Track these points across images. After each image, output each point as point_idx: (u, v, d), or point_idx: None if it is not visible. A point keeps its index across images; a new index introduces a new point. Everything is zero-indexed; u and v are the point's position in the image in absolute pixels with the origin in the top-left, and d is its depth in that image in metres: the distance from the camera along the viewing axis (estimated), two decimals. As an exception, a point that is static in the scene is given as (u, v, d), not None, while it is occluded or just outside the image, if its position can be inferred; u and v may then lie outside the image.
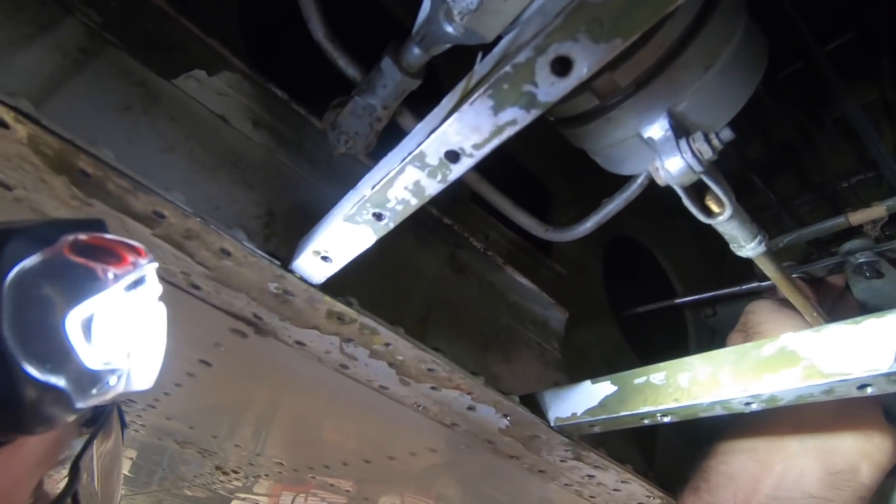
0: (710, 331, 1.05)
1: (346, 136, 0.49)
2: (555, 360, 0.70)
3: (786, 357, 0.37)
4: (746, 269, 1.08)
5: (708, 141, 0.32)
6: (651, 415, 0.44)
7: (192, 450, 1.09)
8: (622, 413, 0.45)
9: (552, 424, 0.52)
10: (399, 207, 0.30)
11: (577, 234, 0.62)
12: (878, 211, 0.80)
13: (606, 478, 0.60)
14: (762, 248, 0.37)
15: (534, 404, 0.54)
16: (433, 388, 0.51)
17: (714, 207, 0.36)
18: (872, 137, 0.93)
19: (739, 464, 0.49)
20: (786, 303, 0.55)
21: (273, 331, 0.48)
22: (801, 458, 0.46)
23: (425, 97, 0.52)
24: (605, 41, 0.20)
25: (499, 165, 0.76)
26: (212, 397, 0.75)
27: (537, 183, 0.83)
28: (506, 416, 0.52)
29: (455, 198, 0.67)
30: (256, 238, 0.47)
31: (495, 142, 0.24)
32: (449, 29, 0.34)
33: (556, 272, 0.76)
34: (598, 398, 0.49)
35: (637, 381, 0.46)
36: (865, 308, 0.65)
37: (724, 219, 0.35)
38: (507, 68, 0.21)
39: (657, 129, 0.34)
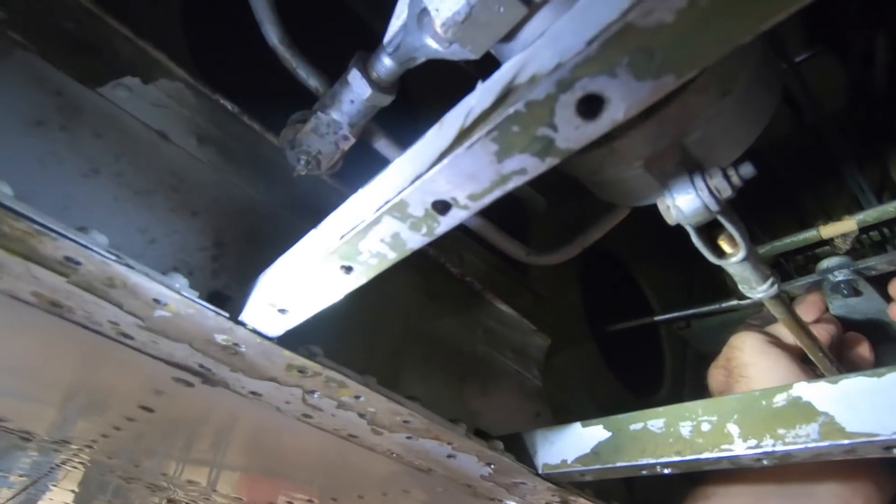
0: (683, 342, 1.04)
1: (308, 156, 0.43)
2: (536, 389, 0.66)
3: (801, 410, 0.34)
4: (718, 280, 1.08)
5: (727, 177, 0.28)
6: (650, 467, 0.40)
7: (139, 485, 1.00)
8: (618, 464, 0.42)
9: (539, 472, 0.47)
10: (373, 261, 0.24)
11: (560, 257, 0.59)
12: (849, 225, 0.79)
13: (593, 518, 0.57)
14: (774, 291, 0.34)
15: (520, 448, 0.49)
16: (409, 437, 0.45)
17: (727, 248, 0.32)
18: (841, 149, 0.94)
19: None
20: (772, 339, 0.53)
21: (223, 381, 0.42)
22: None
23: (397, 112, 0.46)
24: (652, 78, 0.15)
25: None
26: (158, 440, 0.67)
27: (514, 199, 0.79)
28: (489, 464, 0.47)
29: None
30: (201, 274, 0.41)
31: (497, 193, 0.19)
32: (429, 41, 0.29)
33: (535, 293, 0.72)
34: (591, 445, 0.44)
35: (633, 427, 0.42)
36: (845, 324, 0.64)
37: (736, 260, 0.32)
38: (519, 106, 0.16)
39: (668, 162, 0.30)
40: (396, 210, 0.21)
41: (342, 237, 0.24)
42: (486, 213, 0.58)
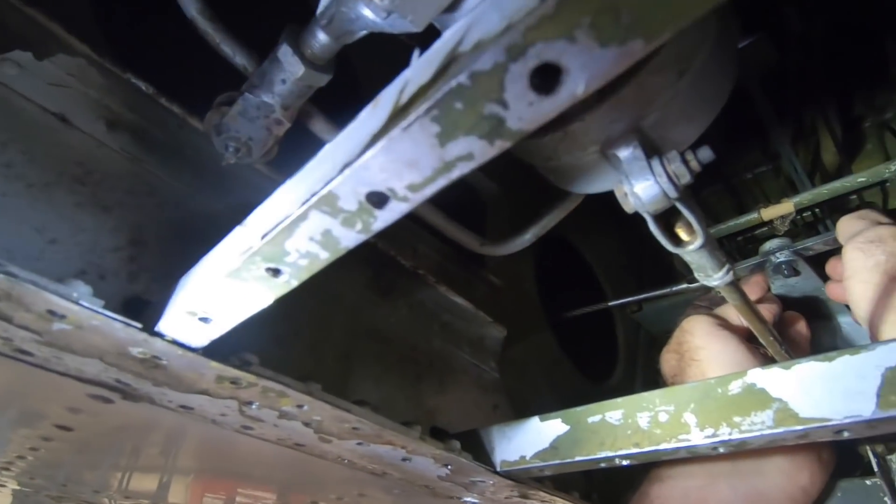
0: (635, 325, 1.06)
1: (237, 143, 0.39)
2: (493, 381, 0.64)
3: (755, 397, 0.33)
4: (667, 265, 1.11)
5: (685, 162, 0.27)
6: (609, 459, 0.39)
7: (71, 503, 0.92)
8: (577, 458, 0.40)
9: (498, 469, 0.46)
10: (303, 262, 0.21)
11: (515, 247, 0.57)
12: (787, 207, 0.82)
13: (553, 509, 0.56)
14: (729, 278, 0.33)
15: (477, 445, 0.48)
16: (360, 444, 0.42)
17: (684, 236, 0.31)
18: (777, 131, 0.97)
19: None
20: (721, 321, 0.54)
21: (147, 396, 0.37)
22: None
23: (340, 93, 0.43)
24: (617, 43, 0.12)
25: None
26: (83, 458, 0.61)
27: (468, 187, 0.77)
28: (446, 465, 0.45)
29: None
30: (115, 278, 0.36)
31: (441, 182, 0.16)
32: (365, 12, 0.26)
33: (491, 284, 0.70)
34: (549, 439, 0.43)
35: (591, 419, 0.41)
36: (784, 302, 0.67)
37: (694, 248, 0.30)
38: (462, 79, 0.13)
39: (623, 148, 0.28)
40: (325, 204, 0.18)
41: (264, 236, 0.20)
42: (438, 202, 0.56)
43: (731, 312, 0.56)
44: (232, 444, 0.53)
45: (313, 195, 0.18)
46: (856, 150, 1.15)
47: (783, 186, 1.15)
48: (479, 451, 0.47)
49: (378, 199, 0.18)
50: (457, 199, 0.75)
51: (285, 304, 0.46)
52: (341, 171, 0.17)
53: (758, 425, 0.32)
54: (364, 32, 0.32)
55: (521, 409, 0.66)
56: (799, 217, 0.86)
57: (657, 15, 0.12)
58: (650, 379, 0.96)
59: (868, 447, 0.50)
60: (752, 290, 0.63)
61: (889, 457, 0.50)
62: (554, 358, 0.80)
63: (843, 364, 0.31)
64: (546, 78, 0.14)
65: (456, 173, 0.16)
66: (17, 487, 0.81)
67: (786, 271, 0.72)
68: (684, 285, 0.79)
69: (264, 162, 0.43)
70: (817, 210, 0.84)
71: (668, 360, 0.57)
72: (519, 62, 0.13)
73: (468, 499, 0.56)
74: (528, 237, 0.54)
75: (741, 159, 1.16)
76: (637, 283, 1.10)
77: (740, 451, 0.47)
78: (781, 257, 0.73)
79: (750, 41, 0.86)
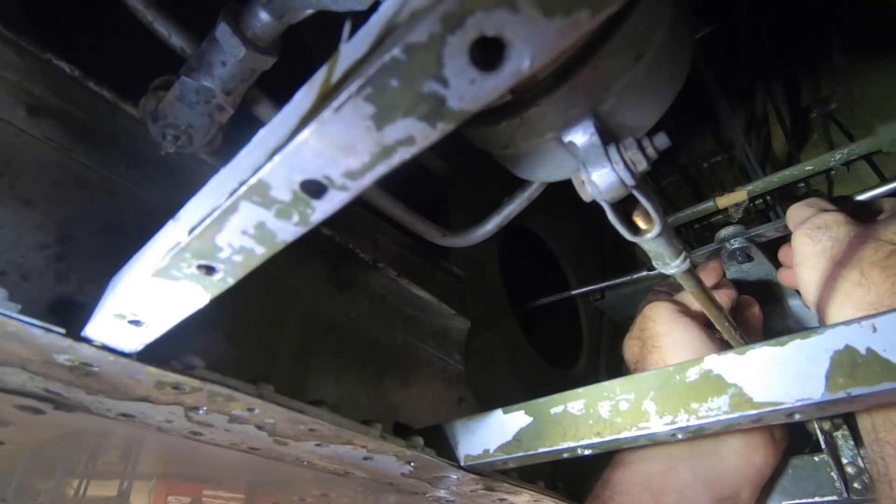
0: (598, 313, 1.08)
1: (176, 130, 0.36)
2: (458, 373, 0.64)
3: (712, 383, 0.34)
4: (629, 253, 1.13)
5: (642, 149, 0.26)
6: (571, 450, 0.39)
7: (14, 517, 0.87)
8: (540, 450, 0.40)
9: (462, 464, 0.45)
10: (238, 258, 0.19)
11: (477, 238, 0.56)
12: (741, 195, 0.85)
13: (519, 499, 0.56)
14: (686, 265, 0.33)
15: (441, 441, 0.47)
16: (318, 445, 0.41)
17: (642, 224, 0.30)
18: (731, 122, 1.00)
19: (635, 490, 0.48)
20: (681, 307, 0.55)
21: (81, 405, 0.35)
22: (690, 489, 0.46)
23: (294, 78, 0.40)
24: (562, 13, 0.11)
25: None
26: (18, 473, 0.57)
27: (428, 173, 0.75)
28: (409, 462, 0.44)
29: (335, 199, 0.56)
30: (40, 279, 0.33)
31: (380, 169, 0.15)
32: (305, -13, 0.24)
33: (455, 274, 0.69)
34: (512, 432, 0.43)
35: (553, 410, 0.41)
36: (739, 286, 0.69)
37: (651, 236, 0.30)
38: (397, 52, 0.12)
39: (580, 133, 0.28)
40: (256, 194, 0.17)
41: (192, 231, 0.18)
42: (400, 193, 0.54)
43: (691, 298, 0.57)
44: (183, 449, 0.50)
45: (242, 184, 0.16)
46: (804, 140, 1.19)
47: (737, 175, 1.19)
48: (442, 446, 0.46)
49: (315, 188, 0.16)
50: (420, 191, 0.73)
51: (236, 302, 0.44)
52: (271, 157, 0.15)
53: (714, 411, 0.33)
54: (309, 11, 0.30)
55: (487, 400, 0.65)
56: (752, 205, 0.89)
57: (604, -20, 0.11)
58: (614, 365, 0.98)
59: (816, 425, 0.52)
60: (709, 276, 0.64)
61: (835, 433, 0.52)
62: (519, 348, 0.80)
63: (794, 348, 0.31)
64: (488, 52, 0.12)
65: (396, 159, 0.15)
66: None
67: (740, 257, 0.74)
68: (644, 273, 0.80)
69: (208, 151, 0.40)
70: (769, 198, 0.87)
71: (630, 347, 0.57)
72: (457, 34, 0.12)
73: (435, 494, 0.55)
74: (489, 228, 0.54)
75: (697, 150, 1.19)
76: (600, 272, 1.11)
77: (695, 443, 0.48)
78: (736, 244, 0.75)
79: (706, 32, 0.88)
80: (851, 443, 0.51)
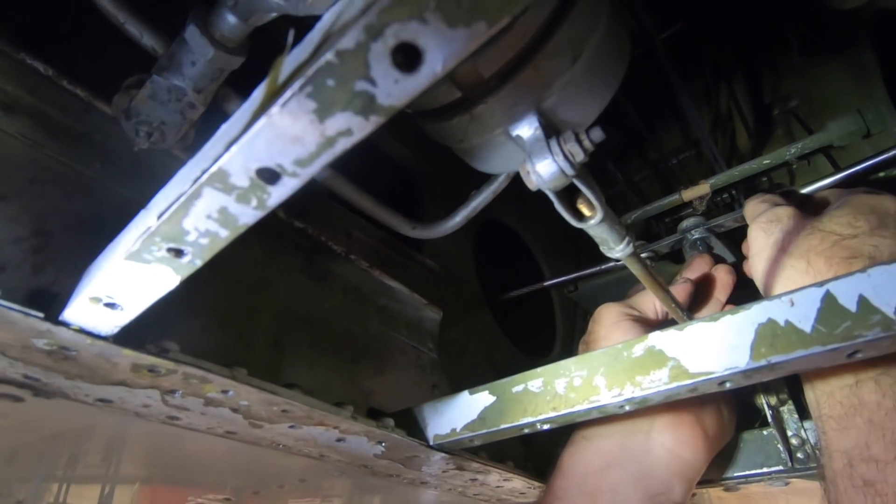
0: (572, 305, 1.11)
1: (149, 127, 0.38)
2: (431, 361, 0.66)
3: (654, 357, 0.37)
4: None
5: (579, 142, 0.29)
6: (531, 425, 0.42)
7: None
8: (502, 426, 0.43)
9: (431, 443, 0.48)
10: (204, 241, 0.22)
11: (446, 230, 0.58)
12: (704, 188, 0.89)
13: (489, 479, 0.59)
14: (630, 250, 0.36)
15: (411, 423, 0.49)
16: (292, 427, 0.43)
17: (586, 211, 0.33)
18: (696, 119, 1.04)
19: (573, 492, 0.50)
20: (629, 311, 0.56)
21: (60, 391, 0.36)
22: (623, 487, 0.48)
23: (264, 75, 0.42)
24: (464, 25, 0.14)
25: (357, 153, 0.69)
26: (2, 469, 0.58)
27: (404, 172, 0.78)
28: (380, 442, 0.47)
29: (309, 195, 0.58)
30: (17, 271, 0.34)
31: (325, 157, 0.17)
32: (266, -7, 0.26)
33: (428, 267, 0.71)
34: (477, 411, 0.45)
35: (515, 389, 0.44)
36: None
37: (594, 223, 0.33)
38: (331, 56, 0.14)
39: (525, 128, 0.30)
40: (217, 181, 0.19)
41: (161, 216, 0.20)
42: (373, 189, 0.56)
43: (643, 302, 0.58)
44: (162, 440, 0.52)
45: (204, 172, 0.19)
46: (768, 136, 1.24)
47: (706, 170, 1.24)
48: (412, 427, 0.49)
49: (269, 175, 0.18)
50: (394, 187, 0.76)
51: (211, 294, 0.46)
52: (228, 147, 0.18)
53: (656, 383, 0.36)
54: (273, 14, 0.32)
55: (461, 387, 0.67)
56: (719, 198, 0.93)
57: (492, 1, 0.13)
58: (585, 354, 1.01)
59: (764, 401, 0.56)
60: (699, 267, 0.65)
61: (781, 408, 0.55)
62: (493, 338, 0.83)
63: (725, 323, 0.34)
64: (408, 57, 0.15)
65: (339, 148, 0.17)
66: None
67: (700, 247, 0.78)
68: (611, 263, 0.84)
69: (181, 148, 0.42)
70: (734, 191, 0.91)
71: (581, 350, 0.59)
72: (379, 41, 0.14)
73: (410, 476, 0.58)
74: (457, 220, 0.56)
75: (666, 146, 1.23)
76: (575, 264, 1.15)
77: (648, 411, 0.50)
78: (696, 234, 0.79)
79: (670, 32, 0.91)
80: (796, 416, 0.54)
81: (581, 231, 0.37)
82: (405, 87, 0.15)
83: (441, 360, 0.68)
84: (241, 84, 0.42)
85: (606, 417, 0.51)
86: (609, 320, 0.54)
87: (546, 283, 0.91)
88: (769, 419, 0.55)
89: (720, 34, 1.04)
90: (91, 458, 0.61)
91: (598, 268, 0.90)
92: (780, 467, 0.53)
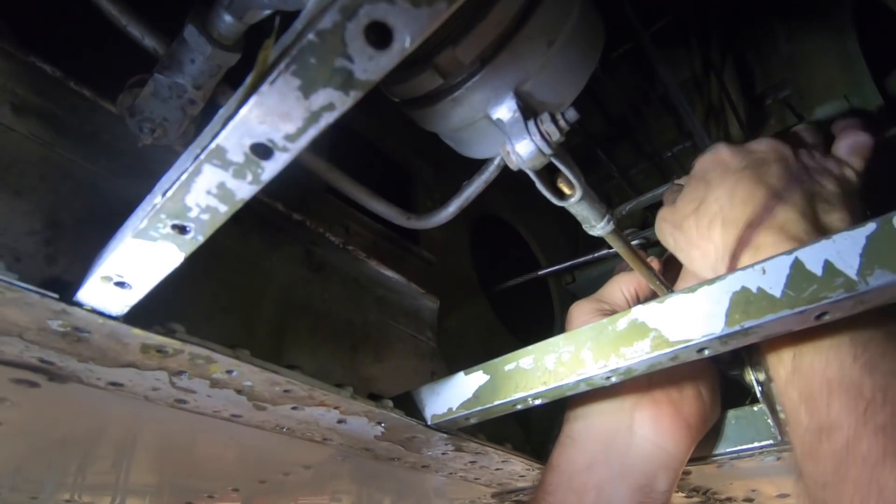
0: (571, 296, 1.13)
1: (152, 124, 0.40)
2: (430, 349, 0.68)
3: (637, 329, 0.38)
4: (600, 238, 1.18)
5: (555, 122, 0.30)
6: (523, 400, 0.44)
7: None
8: (495, 402, 0.45)
9: (429, 423, 0.49)
10: (205, 216, 0.23)
11: (440, 219, 0.60)
12: (696, 177, 0.90)
13: (488, 461, 0.61)
14: (610, 227, 0.37)
15: (410, 404, 0.51)
16: (294, 408, 0.45)
17: (566, 190, 0.35)
18: (687, 112, 1.06)
19: (561, 490, 0.52)
20: (600, 306, 0.58)
21: (74, 375, 0.38)
22: (608, 484, 0.50)
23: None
24: (426, 5, 0.16)
25: (354, 150, 0.70)
26: (13, 458, 0.60)
27: (397, 166, 0.79)
28: (379, 423, 0.49)
29: (307, 189, 0.60)
30: (32, 261, 0.37)
31: (312, 131, 0.19)
32: (257, -10, 0.28)
33: (425, 259, 0.73)
34: (472, 389, 0.47)
35: (507, 367, 0.46)
36: None
37: (574, 200, 0.35)
38: (312, 36, 0.16)
39: (505, 111, 0.32)
40: (215, 157, 0.21)
41: (165, 193, 0.22)
42: (370, 184, 0.58)
43: (612, 291, 0.60)
44: (172, 431, 0.54)
45: (203, 150, 0.21)
46: (761, 126, 1.26)
47: (699, 160, 1.25)
48: (411, 408, 0.50)
49: (262, 151, 0.20)
50: (389, 181, 0.78)
51: (214, 284, 0.48)
52: (224, 125, 0.19)
53: (639, 352, 0.37)
54: (268, 11, 0.34)
55: (457, 372, 0.69)
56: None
57: (448, -21, 0.15)
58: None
59: (753, 377, 0.57)
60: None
61: (770, 384, 0.57)
62: (491, 327, 0.84)
63: (702, 293, 0.36)
64: (380, 35, 0.17)
65: (323, 122, 0.19)
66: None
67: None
68: (603, 252, 0.85)
69: (182, 143, 0.44)
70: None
71: None
72: (353, 21, 0.16)
73: (410, 459, 0.59)
74: (451, 210, 0.58)
75: (661, 139, 1.25)
76: (572, 257, 1.16)
77: (630, 386, 0.51)
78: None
79: (658, 27, 0.93)
80: (784, 391, 0.56)
81: (578, 226, 0.39)
82: (379, 63, 0.17)
83: (440, 348, 0.70)
84: (237, 81, 0.44)
85: (591, 415, 0.53)
86: (581, 319, 0.56)
87: (540, 273, 0.93)
88: (758, 396, 0.56)
89: (708, 27, 1.05)
90: (90, 444, 0.62)
91: (590, 256, 0.91)
92: (770, 441, 0.55)
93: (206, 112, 0.42)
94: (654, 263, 0.59)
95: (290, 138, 0.20)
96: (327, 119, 0.19)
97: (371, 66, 0.17)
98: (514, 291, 0.94)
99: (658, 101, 1.12)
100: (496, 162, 0.47)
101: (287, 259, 0.55)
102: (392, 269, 0.64)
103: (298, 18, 0.18)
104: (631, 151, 1.25)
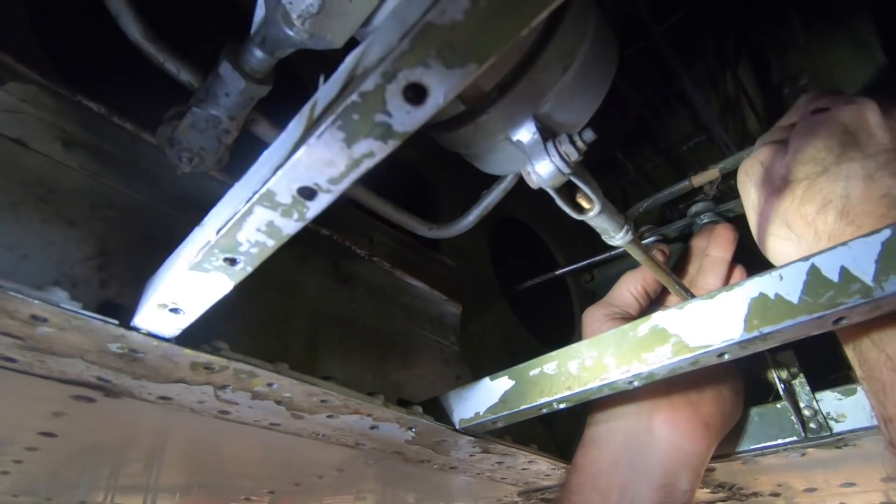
0: (591, 295, 1.14)
1: (190, 153, 0.42)
2: (454, 354, 0.70)
3: (658, 335, 0.40)
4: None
5: (573, 143, 0.32)
6: (548, 405, 0.45)
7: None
8: (522, 407, 0.46)
9: (457, 427, 0.51)
10: (254, 250, 0.26)
11: (461, 228, 0.62)
12: (713, 173, 0.90)
13: (515, 461, 0.62)
14: (629, 237, 0.39)
15: (438, 409, 0.53)
16: (330, 416, 0.47)
17: (584, 204, 0.36)
18: (703, 106, 1.05)
19: (585, 489, 0.53)
20: (611, 310, 0.58)
21: (127, 391, 0.41)
22: (631, 484, 0.51)
23: (283, 97, 0.46)
24: (459, 66, 0.17)
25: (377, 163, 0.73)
26: (67, 466, 0.63)
27: (417, 175, 0.81)
28: (410, 428, 0.51)
29: (334, 205, 0.62)
30: (87, 286, 0.39)
31: (353, 175, 0.21)
32: (290, 33, 0.30)
33: (446, 265, 0.75)
34: (499, 394, 0.49)
35: (532, 373, 0.47)
36: None
37: (593, 214, 0.36)
38: (355, 97, 0.18)
39: (525, 133, 0.34)
40: (266, 200, 0.23)
41: (219, 231, 0.25)
42: (390, 194, 0.60)
43: (620, 292, 0.61)
44: (213, 439, 0.57)
45: (255, 193, 0.23)
46: (779, 116, 1.24)
47: (717, 154, 1.24)
48: (440, 413, 0.52)
49: (308, 193, 0.22)
50: (409, 191, 0.80)
51: (250, 299, 0.51)
52: (275, 172, 0.22)
53: (660, 358, 0.39)
54: (295, 48, 0.36)
55: (483, 377, 0.71)
56: (733, 181, 0.94)
57: (478, 46, 0.17)
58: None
59: (775, 376, 0.58)
60: (720, 243, 0.64)
61: (793, 382, 0.58)
62: (511, 329, 0.86)
63: (721, 299, 0.37)
64: (416, 93, 0.18)
65: (364, 167, 0.21)
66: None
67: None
68: (621, 249, 0.86)
69: (217, 168, 0.47)
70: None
71: None
72: (393, 83, 0.18)
73: (439, 461, 0.61)
74: (471, 219, 0.59)
75: (676, 133, 1.24)
76: (591, 256, 1.17)
77: (653, 391, 0.53)
78: (706, 219, 0.81)
79: (670, 23, 0.93)
80: (808, 388, 0.56)
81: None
82: (415, 117, 0.19)
83: (463, 352, 0.71)
84: (266, 106, 0.46)
85: (612, 419, 0.55)
86: (593, 326, 0.57)
87: (558, 272, 0.94)
88: (781, 393, 0.57)
89: (722, 20, 1.05)
90: (124, 460, 0.66)
91: (609, 254, 0.92)
92: (795, 438, 0.55)
93: (238, 138, 0.44)
94: (660, 256, 0.60)
95: (334, 181, 0.22)
96: (367, 164, 0.21)
97: (408, 120, 0.19)
98: (533, 293, 0.96)
99: (673, 95, 1.12)
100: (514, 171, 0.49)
101: (315, 272, 0.58)
102: (415, 276, 0.66)
103: (338, 73, 0.20)
104: (646, 147, 1.25)
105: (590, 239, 1.19)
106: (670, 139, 1.25)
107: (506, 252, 0.93)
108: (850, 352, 0.41)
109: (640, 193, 1.22)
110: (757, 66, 1.14)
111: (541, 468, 0.65)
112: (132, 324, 0.33)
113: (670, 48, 0.96)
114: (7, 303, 0.29)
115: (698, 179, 0.91)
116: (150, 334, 0.33)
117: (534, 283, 0.90)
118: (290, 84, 0.53)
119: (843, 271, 0.32)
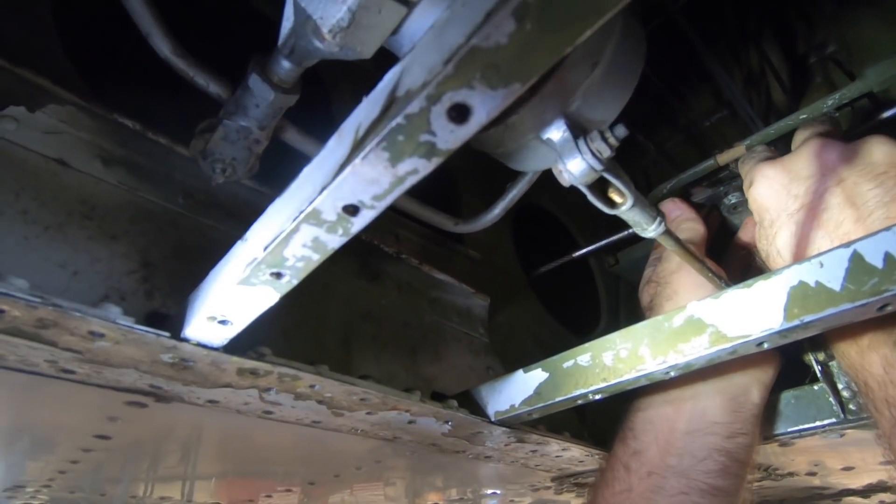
0: (615, 279, 1.13)
1: (223, 164, 0.43)
2: (483, 345, 0.70)
3: (694, 326, 0.40)
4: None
5: (605, 139, 0.32)
6: (583, 396, 0.46)
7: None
8: (557, 399, 0.47)
9: (492, 419, 0.52)
10: (300, 265, 0.27)
11: (486, 222, 0.62)
12: (739, 150, 0.88)
13: (548, 449, 0.63)
14: (662, 228, 0.39)
15: (472, 402, 0.54)
16: (369, 413, 0.48)
17: (617, 199, 0.36)
18: (726, 81, 1.03)
19: (655, 410, 0.54)
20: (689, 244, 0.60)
21: (178, 396, 0.43)
22: (704, 396, 0.53)
23: (310, 103, 0.47)
24: (503, 87, 0.18)
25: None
26: (120, 466, 0.67)
27: (443, 171, 0.82)
28: (447, 422, 0.52)
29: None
30: (134, 298, 0.41)
31: (397, 192, 0.22)
32: (319, 45, 0.30)
33: (471, 257, 0.75)
34: (533, 386, 0.49)
35: (566, 364, 0.48)
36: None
37: (626, 209, 0.36)
38: (400, 119, 0.19)
39: (555, 132, 0.34)
40: (311, 218, 0.23)
41: (266, 248, 0.25)
42: (414, 191, 0.61)
43: (694, 238, 0.62)
44: (255, 433, 0.59)
45: (301, 212, 0.23)
46: (806, 87, 1.20)
47: (741, 129, 1.21)
48: (474, 406, 0.53)
49: (352, 210, 0.23)
50: (433, 185, 0.80)
51: (286, 301, 0.52)
52: (321, 192, 0.22)
53: (697, 348, 0.39)
54: (323, 58, 0.36)
55: (512, 367, 0.72)
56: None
57: (523, 68, 0.17)
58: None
59: (812, 357, 0.57)
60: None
61: (830, 363, 0.57)
62: (538, 318, 0.86)
63: (759, 288, 0.37)
64: (460, 113, 0.19)
65: (407, 184, 0.22)
66: (53, 502, 0.86)
67: (739, 209, 0.79)
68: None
69: (248, 176, 0.48)
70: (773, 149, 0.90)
71: (646, 291, 0.63)
72: (437, 105, 0.18)
73: (475, 450, 0.63)
74: (496, 212, 0.60)
75: (696, 109, 1.21)
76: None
77: (690, 379, 0.53)
78: (733, 199, 0.79)
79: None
80: (845, 370, 0.56)
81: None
82: (459, 135, 0.19)
83: (492, 343, 0.72)
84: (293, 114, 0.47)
85: None
86: (677, 259, 0.57)
87: (576, 254, 0.93)
88: (818, 375, 0.56)
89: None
90: (170, 458, 0.69)
91: (625, 232, 0.90)
92: (833, 419, 0.55)
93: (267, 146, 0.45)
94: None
95: (378, 198, 0.22)
96: (411, 181, 0.21)
97: (451, 138, 0.19)
98: (558, 280, 0.95)
99: (693, 71, 1.09)
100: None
101: (345, 272, 0.59)
102: (442, 271, 0.67)
103: (377, 91, 0.20)
104: (666, 124, 1.22)
105: (613, 225, 1.18)
106: (691, 115, 1.22)
107: (529, 241, 0.93)
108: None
109: (661, 173, 1.20)
110: (781, 36, 1.10)
111: (574, 455, 0.66)
112: (183, 335, 0.34)
113: (689, 23, 0.94)
114: (67, 320, 0.31)
115: (724, 157, 0.89)
116: (199, 344, 0.35)
117: (556, 265, 0.90)
118: (315, 91, 0.53)
119: (888, 257, 0.32)
